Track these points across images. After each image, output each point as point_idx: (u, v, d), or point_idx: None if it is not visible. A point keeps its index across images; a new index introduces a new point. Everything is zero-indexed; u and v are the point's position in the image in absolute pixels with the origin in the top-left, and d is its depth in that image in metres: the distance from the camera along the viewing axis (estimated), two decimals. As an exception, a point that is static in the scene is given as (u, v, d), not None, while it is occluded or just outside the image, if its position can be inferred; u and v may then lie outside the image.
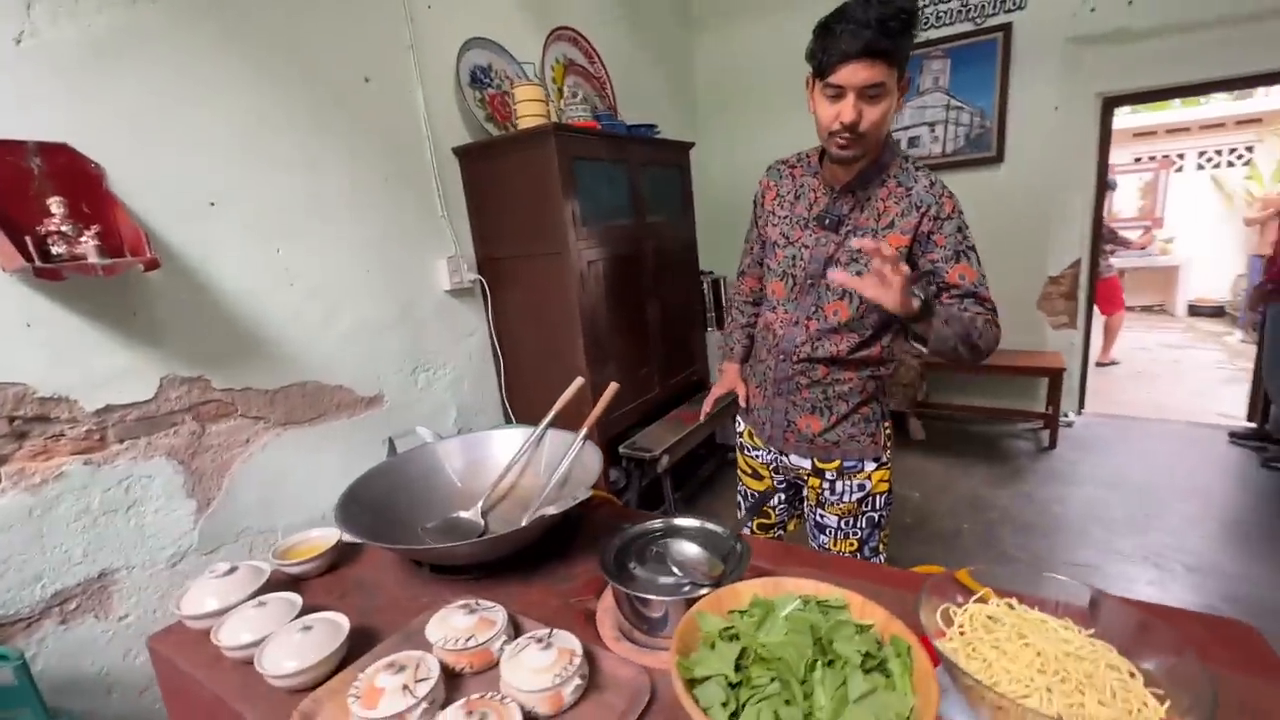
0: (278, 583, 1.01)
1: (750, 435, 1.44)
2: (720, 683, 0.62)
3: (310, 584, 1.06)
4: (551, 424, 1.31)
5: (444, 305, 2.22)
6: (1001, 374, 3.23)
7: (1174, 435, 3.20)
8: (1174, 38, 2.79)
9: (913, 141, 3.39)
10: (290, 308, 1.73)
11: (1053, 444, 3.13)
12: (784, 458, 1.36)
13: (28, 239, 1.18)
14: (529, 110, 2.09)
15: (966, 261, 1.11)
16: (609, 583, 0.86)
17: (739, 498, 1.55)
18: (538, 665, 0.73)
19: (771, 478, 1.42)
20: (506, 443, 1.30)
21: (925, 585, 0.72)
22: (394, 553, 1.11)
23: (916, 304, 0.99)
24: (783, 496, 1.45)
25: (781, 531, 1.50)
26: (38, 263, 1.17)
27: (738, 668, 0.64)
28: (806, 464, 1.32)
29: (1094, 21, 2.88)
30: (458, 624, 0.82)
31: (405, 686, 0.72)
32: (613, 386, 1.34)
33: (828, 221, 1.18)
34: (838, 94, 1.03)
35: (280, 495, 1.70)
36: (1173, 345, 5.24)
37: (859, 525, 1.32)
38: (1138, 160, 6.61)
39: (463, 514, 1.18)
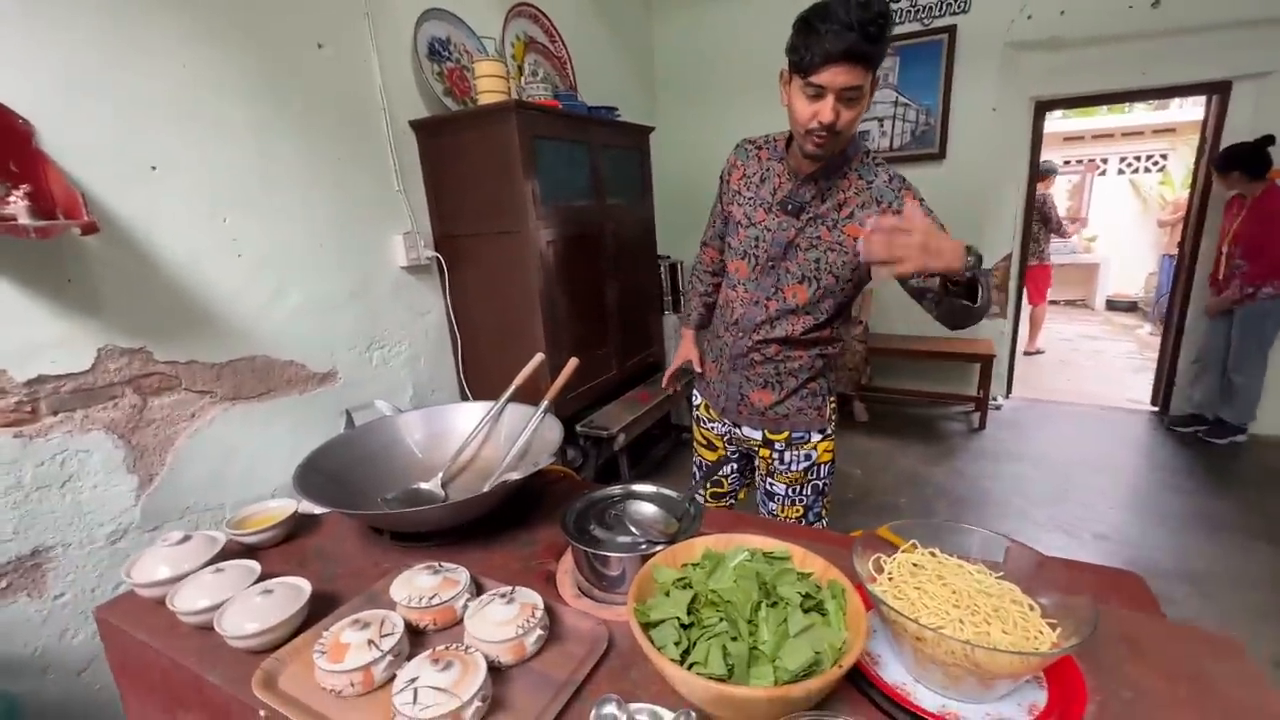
0: (232, 553, 1.01)
1: (706, 409, 1.50)
2: (674, 624, 0.67)
3: (267, 553, 1.05)
4: (511, 399, 1.33)
5: (400, 282, 2.19)
6: (937, 360, 3.43)
7: (1090, 418, 3.48)
8: (1101, 48, 2.99)
9: (862, 137, 3.52)
10: (238, 279, 1.67)
11: (983, 425, 3.35)
12: (737, 429, 1.43)
13: (-50, 197, 1.11)
14: (489, 86, 2.07)
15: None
16: (569, 543, 0.90)
17: (694, 468, 1.62)
18: (501, 618, 0.77)
19: (725, 449, 1.49)
20: (467, 416, 1.32)
21: (858, 540, 0.79)
22: (354, 521, 1.12)
23: (972, 259, 0.96)
24: (735, 467, 1.53)
25: (733, 500, 1.59)
26: (-39, 222, 1.11)
27: (689, 612, 0.69)
28: (758, 435, 1.40)
29: (1030, 28, 3.06)
30: (422, 584, 0.85)
31: (370, 641, 0.74)
32: (572, 362, 1.37)
33: (790, 207, 1.22)
34: (818, 94, 1.04)
35: (228, 471, 1.66)
36: (1092, 336, 5.65)
37: (805, 493, 1.41)
38: (1067, 163, 7.05)
39: (423, 485, 1.19)
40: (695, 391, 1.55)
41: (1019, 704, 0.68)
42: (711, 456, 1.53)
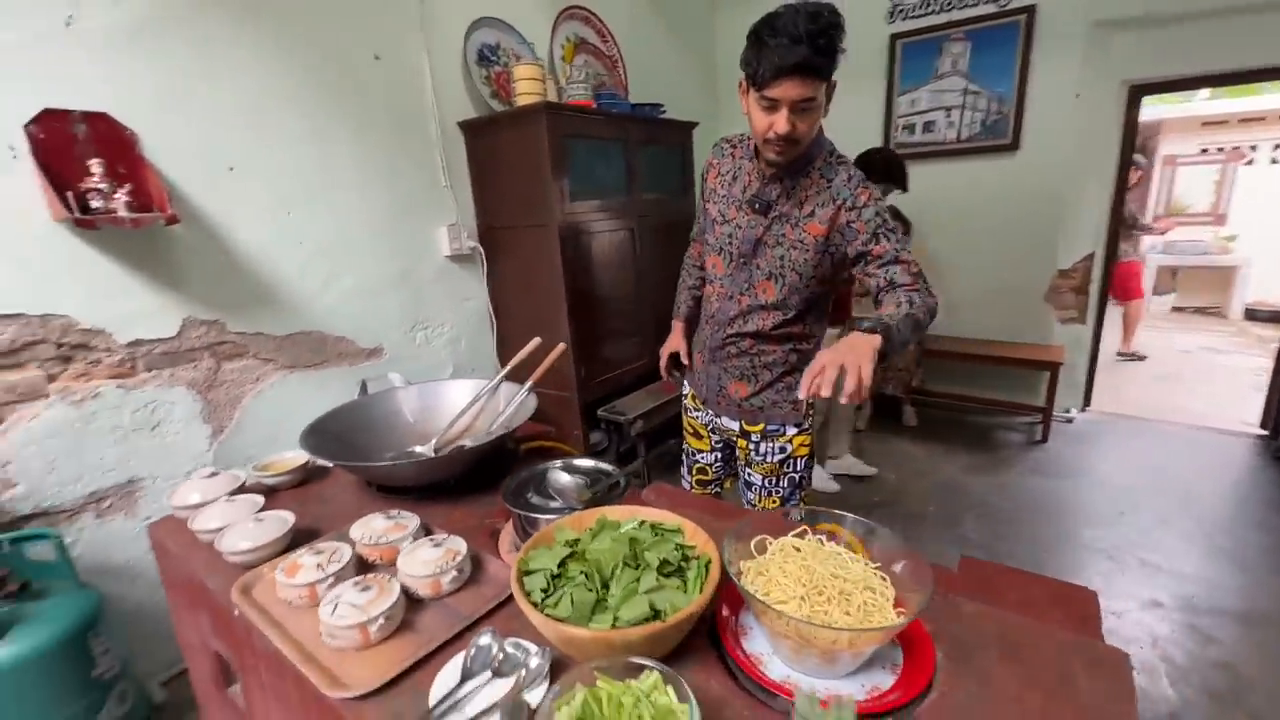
0: (254, 490, 1.22)
1: (693, 398, 1.56)
2: (545, 575, 0.77)
3: (281, 494, 1.26)
4: (516, 379, 1.44)
5: (444, 270, 2.41)
6: (998, 365, 3.21)
7: (1182, 438, 3.13)
8: (1208, 22, 2.66)
9: (928, 127, 3.35)
10: (299, 264, 1.94)
11: (1044, 438, 3.11)
12: (718, 419, 1.48)
13: (70, 194, 1.40)
14: (526, 89, 2.22)
15: (887, 240, 1.17)
16: (508, 508, 1.02)
17: (684, 455, 1.68)
18: (426, 559, 0.90)
19: (710, 438, 1.55)
20: (462, 392, 1.47)
21: (739, 523, 0.84)
22: (354, 476, 1.30)
23: (881, 344, 0.99)
24: (719, 456, 1.56)
25: (719, 489, 1.62)
26: (77, 214, 1.40)
27: (561, 565, 0.79)
28: (735, 426, 1.44)
29: (1122, 4, 2.77)
30: (376, 526, 1.00)
31: (319, 565, 0.90)
32: (560, 347, 1.47)
33: (758, 205, 1.26)
34: (772, 106, 1.07)
35: (285, 429, 1.93)
36: (1216, 349, 4.99)
37: (781, 485, 1.43)
38: (1204, 151, 6.22)
39: (417, 448, 1.35)
40: (685, 381, 1.61)
41: (862, 684, 0.71)
42: (698, 445, 1.59)
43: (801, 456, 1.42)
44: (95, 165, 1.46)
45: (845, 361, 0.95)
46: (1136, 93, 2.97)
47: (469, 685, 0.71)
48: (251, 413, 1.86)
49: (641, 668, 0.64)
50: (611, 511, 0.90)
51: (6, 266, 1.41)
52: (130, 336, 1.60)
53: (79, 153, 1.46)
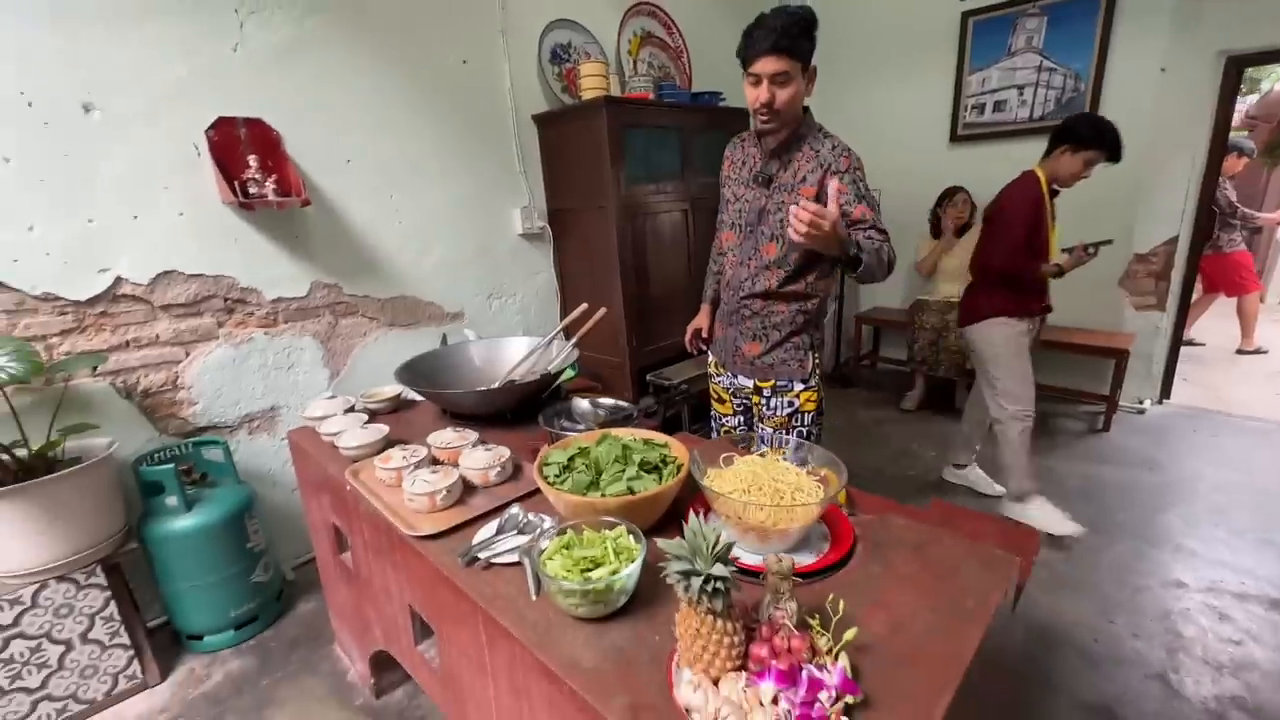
0: (361, 411, 1.59)
1: (715, 365, 1.76)
2: (558, 465, 1.05)
3: (380, 417, 1.62)
4: (566, 338, 1.73)
5: (517, 246, 2.74)
6: (1064, 351, 3.14)
7: (1275, 437, 2.93)
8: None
9: (998, 106, 3.29)
10: (398, 239, 2.33)
11: (1106, 426, 3.03)
12: (736, 379, 1.67)
13: (235, 183, 1.83)
14: (590, 84, 2.48)
15: (864, 203, 1.38)
16: (541, 424, 1.31)
17: (712, 421, 1.87)
18: (479, 458, 1.21)
19: (731, 401, 1.75)
20: (521, 346, 1.78)
21: (714, 442, 1.07)
22: (433, 406, 1.64)
23: (852, 250, 1.27)
24: (742, 419, 1.74)
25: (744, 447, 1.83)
26: (240, 198, 1.83)
27: (571, 460, 1.06)
28: (750, 384, 1.62)
29: (1217, -29, 2.61)
30: (446, 435, 1.32)
31: (404, 457, 1.23)
32: (601, 311, 1.74)
33: (760, 179, 1.49)
34: (756, 80, 1.33)
35: (384, 374, 2.31)
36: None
37: (789, 439, 1.63)
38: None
39: (487, 387, 1.68)
40: (709, 352, 1.81)
41: (809, 553, 0.93)
42: (723, 409, 1.77)
43: (808, 411, 1.58)
44: (252, 160, 1.88)
45: (822, 231, 1.16)
46: (1235, 64, 2.77)
47: (500, 537, 1.01)
48: (360, 360, 2.29)
49: (615, 524, 0.90)
50: (617, 430, 1.16)
51: (194, 238, 1.86)
52: (274, 295, 2.05)
53: (241, 151, 1.89)
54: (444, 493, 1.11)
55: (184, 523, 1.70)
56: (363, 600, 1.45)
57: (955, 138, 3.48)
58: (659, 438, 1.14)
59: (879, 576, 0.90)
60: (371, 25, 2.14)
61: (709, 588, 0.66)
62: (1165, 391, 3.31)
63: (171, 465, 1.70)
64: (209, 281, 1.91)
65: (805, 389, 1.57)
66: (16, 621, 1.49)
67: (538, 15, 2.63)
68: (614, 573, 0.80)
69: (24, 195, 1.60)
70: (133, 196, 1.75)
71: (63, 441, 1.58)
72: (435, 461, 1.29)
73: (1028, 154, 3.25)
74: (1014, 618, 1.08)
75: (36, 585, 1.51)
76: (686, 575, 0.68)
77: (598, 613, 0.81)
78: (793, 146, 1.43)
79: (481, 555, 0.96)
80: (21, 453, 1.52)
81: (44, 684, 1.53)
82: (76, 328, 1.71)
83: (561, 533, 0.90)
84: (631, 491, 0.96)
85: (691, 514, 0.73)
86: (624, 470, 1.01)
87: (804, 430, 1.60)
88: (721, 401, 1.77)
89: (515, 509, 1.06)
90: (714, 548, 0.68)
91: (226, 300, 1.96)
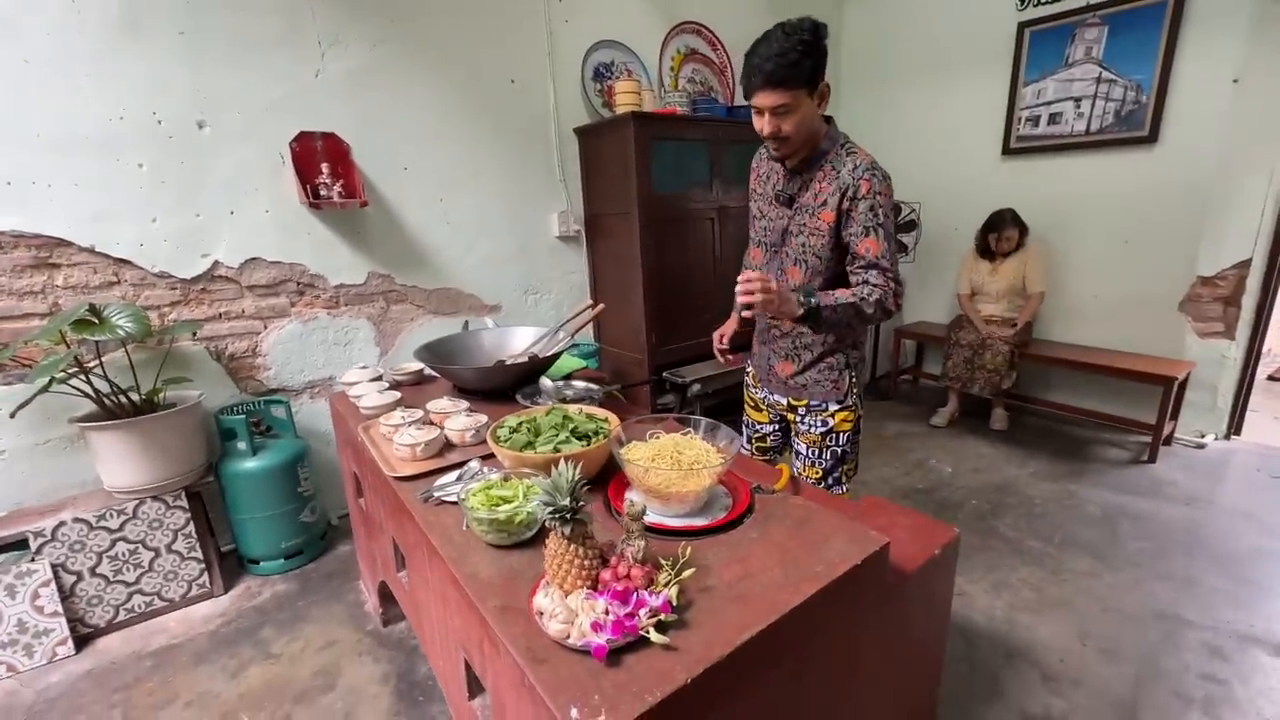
0: (388, 382, 1.88)
1: (754, 376, 1.73)
2: (509, 428, 1.26)
3: (405, 388, 1.90)
4: (566, 328, 1.95)
5: (554, 247, 3.00)
6: (1114, 376, 2.98)
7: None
8: None
9: (1054, 118, 3.17)
10: (445, 238, 2.65)
11: (1151, 458, 2.84)
12: (771, 395, 1.64)
13: (308, 186, 2.20)
14: (624, 100, 2.69)
15: (874, 237, 1.31)
16: (518, 399, 1.52)
17: (744, 427, 1.81)
18: (460, 423, 1.44)
19: (767, 411, 1.70)
20: (529, 335, 2.01)
21: (632, 419, 1.24)
22: (447, 383, 1.91)
23: (800, 311, 1.28)
24: (776, 428, 1.71)
25: (777, 455, 1.76)
26: (311, 200, 2.19)
27: (519, 426, 1.26)
28: (784, 401, 1.60)
29: (1299, -24, 2.42)
30: (443, 403, 1.57)
31: (403, 416, 1.48)
32: (599, 307, 1.95)
33: (783, 199, 1.45)
34: (759, 111, 1.29)
35: (427, 357, 2.66)
36: None
37: (824, 457, 1.56)
38: None
39: (480, 366, 1.92)
40: (747, 361, 1.77)
41: (693, 523, 1.09)
42: (757, 417, 1.73)
43: (844, 431, 1.53)
44: (325, 168, 2.25)
45: (770, 301, 1.23)
46: (1322, 75, 2.55)
47: (457, 484, 1.23)
48: (406, 341, 2.62)
49: (535, 475, 1.09)
50: (570, 407, 1.36)
51: (275, 231, 2.25)
52: (337, 281, 2.41)
53: (317, 159, 2.25)
54: (423, 445, 1.35)
55: (250, 464, 2.06)
56: (372, 537, 1.73)
57: (1008, 150, 3.38)
58: (601, 414, 1.32)
59: (753, 541, 1.03)
60: (431, 51, 2.46)
61: (559, 515, 0.84)
62: (1235, 427, 3.05)
63: (244, 417, 2.07)
64: (285, 268, 2.29)
65: (840, 409, 1.52)
66: (122, 528, 1.89)
67: (583, 37, 2.87)
68: (515, 509, 0.99)
69: (151, 194, 2.02)
70: (231, 196, 2.15)
71: (164, 390, 1.98)
72: (428, 423, 1.54)
73: (1083, 167, 3.14)
74: (916, 605, 1.16)
75: (138, 500, 1.91)
76: (547, 506, 0.86)
77: (503, 540, 1.00)
78: (813, 165, 1.37)
79: (436, 494, 1.19)
80: (135, 396, 1.93)
81: (138, 580, 1.93)
82: (182, 300, 2.13)
83: (492, 479, 1.10)
84: (557, 451, 1.15)
85: (563, 461, 0.91)
86: (557, 435, 1.20)
87: (838, 450, 1.56)
88: (757, 409, 1.73)
89: (474, 463, 1.28)
90: (570, 485, 0.86)
91: (298, 284, 2.33)
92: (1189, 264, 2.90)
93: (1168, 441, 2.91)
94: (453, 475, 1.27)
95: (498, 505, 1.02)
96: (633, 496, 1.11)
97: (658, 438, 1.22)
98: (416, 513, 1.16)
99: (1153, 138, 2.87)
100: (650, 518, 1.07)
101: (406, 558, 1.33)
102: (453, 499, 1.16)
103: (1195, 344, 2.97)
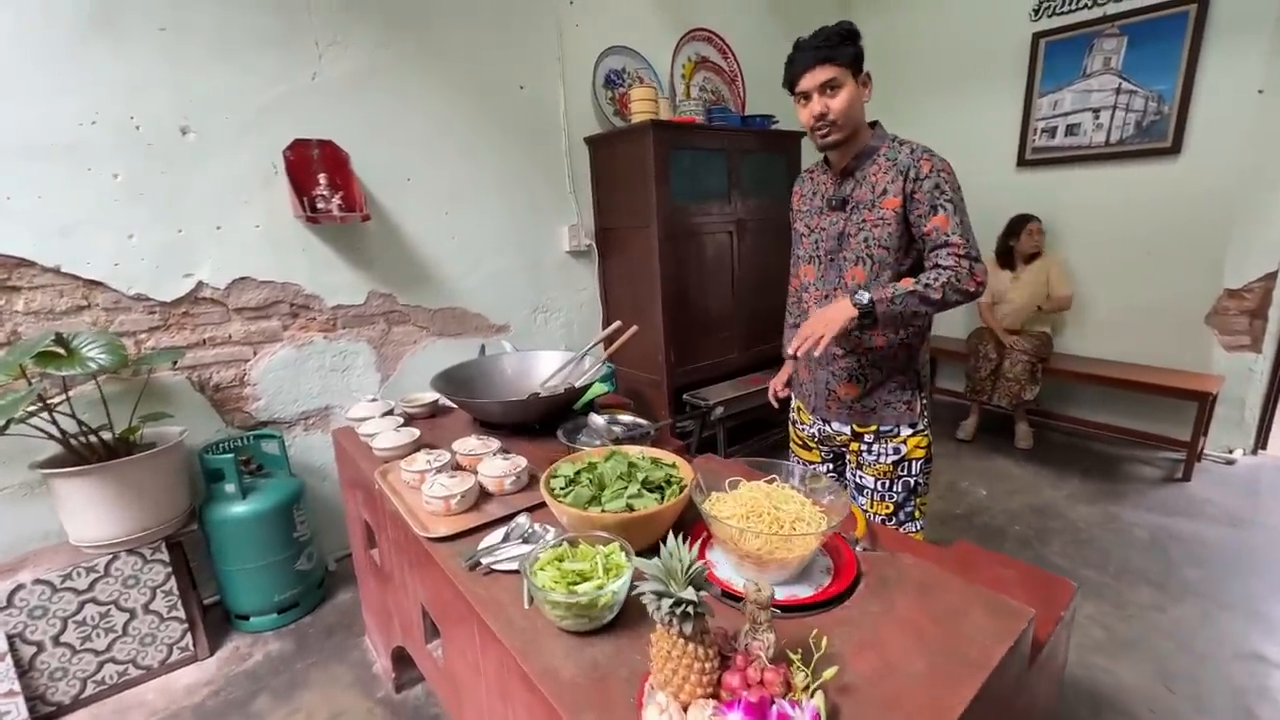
0: (400, 415, 1.68)
1: (800, 411, 1.58)
2: (565, 477, 1.08)
3: (417, 421, 1.71)
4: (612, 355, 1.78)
5: (564, 263, 2.83)
6: (1137, 391, 2.91)
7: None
8: None
9: (1071, 130, 3.12)
10: (450, 254, 2.46)
11: (1187, 476, 2.77)
12: (827, 426, 1.48)
13: (305, 199, 2.00)
14: (639, 108, 2.55)
15: (944, 212, 1.23)
16: (560, 439, 1.35)
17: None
18: (497, 467, 1.25)
19: (818, 449, 1.56)
20: (555, 360, 1.83)
21: (702, 464, 1.07)
22: (464, 412, 1.72)
23: (855, 312, 1.20)
24: (830, 466, 1.57)
25: None
26: (307, 213, 1.99)
27: (578, 474, 1.08)
28: (847, 430, 1.45)
29: (1326, -14, 2.40)
30: (470, 443, 1.38)
31: (428, 461, 1.29)
32: (632, 329, 1.78)
33: (835, 203, 1.37)
34: (805, 98, 1.28)
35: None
36: None
37: (895, 489, 1.42)
38: None
39: (512, 399, 1.74)
40: (792, 396, 1.64)
41: (791, 593, 0.92)
42: (808, 456, 1.59)
43: (918, 459, 1.40)
44: (322, 178, 2.05)
45: (814, 328, 1.18)
46: (1347, 85, 2.52)
47: (505, 544, 1.04)
48: (409, 366, 2.41)
49: (611, 541, 0.91)
50: (627, 448, 1.18)
51: (267, 248, 2.04)
52: (334, 302, 2.20)
53: (313, 169, 2.05)
54: (459, 498, 1.16)
55: (238, 509, 1.84)
56: (387, 595, 1.53)
57: (1023, 162, 3.33)
58: (667, 457, 1.15)
59: (876, 616, 0.87)
60: (436, 55, 2.29)
61: (679, 610, 0.66)
62: (1262, 441, 3.00)
63: (232, 455, 1.85)
64: (277, 288, 2.08)
65: (914, 434, 1.40)
66: (91, 588, 1.65)
67: (594, 43, 2.73)
68: (599, 587, 0.82)
69: (127, 207, 1.80)
70: (217, 209, 1.94)
71: (141, 428, 1.75)
72: (458, 467, 1.35)
73: (1103, 180, 3.08)
74: (1043, 675, 1.01)
75: (110, 556, 1.67)
76: (659, 596, 0.69)
77: (582, 626, 0.82)
78: (865, 162, 1.32)
79: (484, 560, 1.00)
80: (107, 435, 1.70)
81: (109, 647, 1.69)
82: (162, 325, 1.90)
83: (558, 545, 0.92)
84: (631, 509, 0.98)
85: (671, 535, 0.74)
86: (626, 487, 1.03)
87: (910, 481, 1.42)
88: (807, 449, 1.59)
89: (522, 518, 1.10)
90: (688, 570, 0.69)
91: (292, 305, 2.12)
92: (1214, 276, 2.85)
93: (1199, 458, 2.83)
94: (498, 534, 1.08)
95: (575, 582, 0.84)
96: (717, 570, 0.94)
97: (737, 485, 1.05)
98: (461, 583, 0.97)
99: (1175, 149, 2.82)
100: (739, 585, 0.91)
101: (442, 629, 1.14)
102: (510, 568, 0.98)
103: (1222, 357, 2.91)
